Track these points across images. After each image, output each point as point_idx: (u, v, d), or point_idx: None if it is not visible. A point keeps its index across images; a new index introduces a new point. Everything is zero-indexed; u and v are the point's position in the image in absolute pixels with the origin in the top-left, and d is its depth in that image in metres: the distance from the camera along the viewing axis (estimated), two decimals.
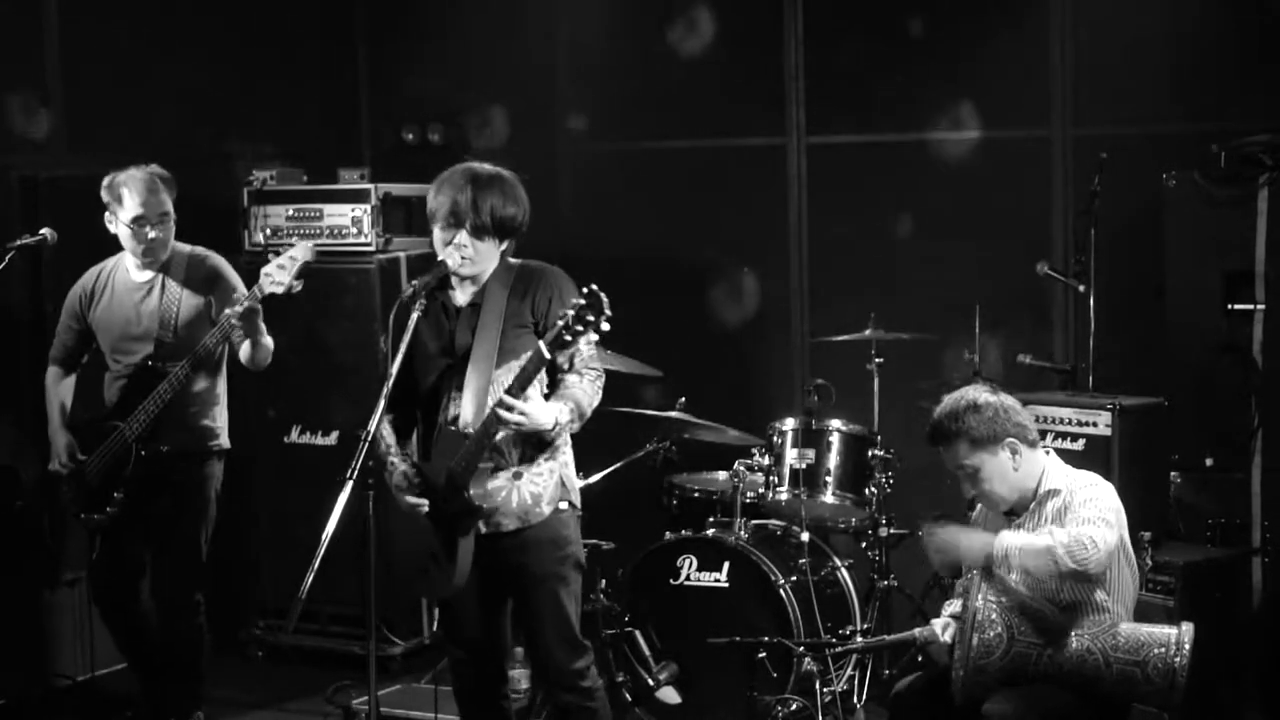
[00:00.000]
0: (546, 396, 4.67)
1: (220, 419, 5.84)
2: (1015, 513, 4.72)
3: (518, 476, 4.70)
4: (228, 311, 5.48)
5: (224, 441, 5.85)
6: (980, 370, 6.45)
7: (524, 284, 4.74)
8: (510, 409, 4.45)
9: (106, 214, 5.64)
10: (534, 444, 4.70)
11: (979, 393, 4.71)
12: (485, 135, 8.03)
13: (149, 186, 5.58)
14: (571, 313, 4.38)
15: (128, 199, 5.58)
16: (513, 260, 4.81)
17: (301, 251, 5.56)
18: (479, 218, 4.64)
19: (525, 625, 4.85)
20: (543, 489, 4.73)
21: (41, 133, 6.82)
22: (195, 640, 5.84)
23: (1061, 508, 4.58)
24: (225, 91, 7.43)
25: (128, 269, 5.74)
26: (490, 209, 4.65)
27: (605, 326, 4.38)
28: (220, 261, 5.82)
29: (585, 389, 4.69)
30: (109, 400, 5.73)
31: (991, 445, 4.62)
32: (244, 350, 5.64)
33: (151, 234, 5.61)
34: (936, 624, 4.78)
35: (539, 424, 4.54)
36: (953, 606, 4.82)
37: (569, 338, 4.39)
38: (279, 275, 5.49)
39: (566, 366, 4.70)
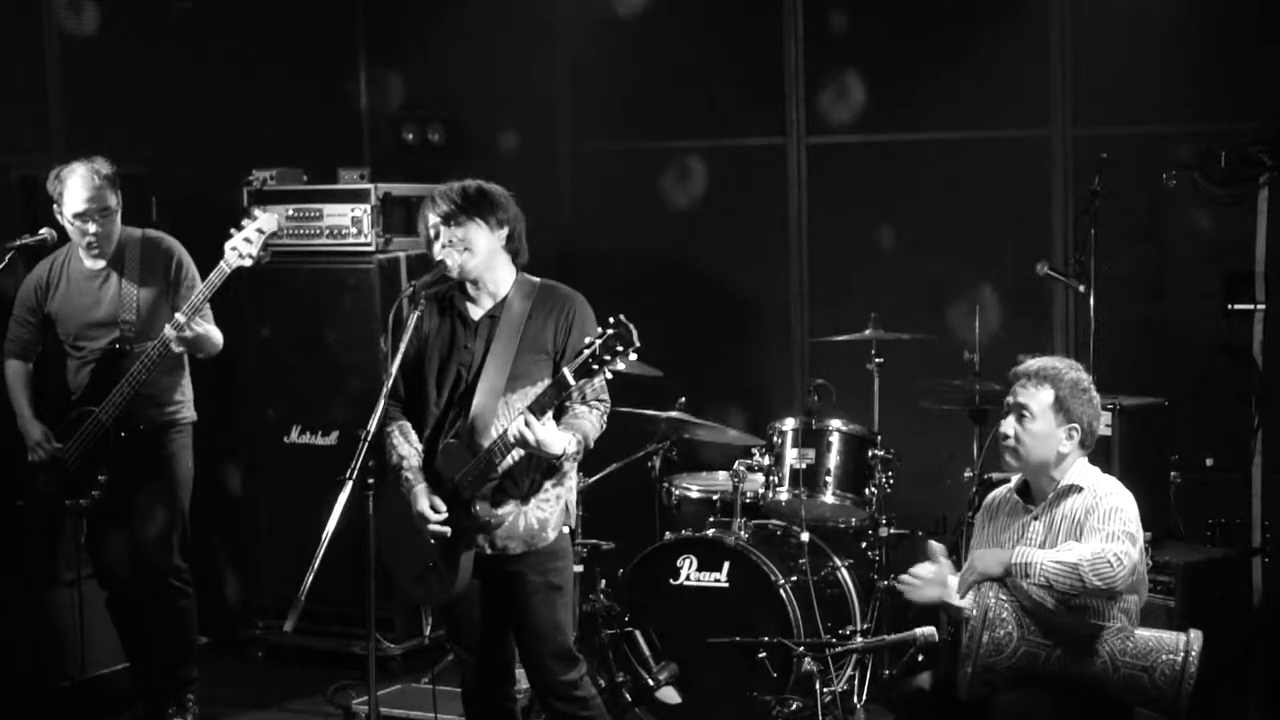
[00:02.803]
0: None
1: (187, 392, 5.93)
2: (1033, 501, 4.72)
3: (525, 501, 4.71)
4: (169, 328, 5.51)
5: (192, 414, 5.94)
6: (979, 370, 6.44)
7: (546, 307, 4.73)
8: (530, 429, 4.45)
9: (54, 207, 5.67)
10: (543, 471, 4.71)
11: (1089, 379, 4.75)
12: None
13: (88, 183, 5.60)
14: (600, 342, 4.38)
15: (68, 195, 5.61)
16: (534, 278, 4.81)
17: (266, 222, 5.60)
18: (454, 210, 4.63)
19: (518, 636, 4.85)
20: (549, 514, 4.75)
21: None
22: (182, 608, 5.90)
23: (1082, 511, 4.56)
24: (225, 91, 7.43)
25: (81, 258, 5.78)
26: (464, 202, 4.65)
27: (633, 357, 4.39)
28: (174, 243, 5.87)
29: (593, 421, 4.71)
30: (75, 386, 5.77)
31: (1063, 415, 4.65)
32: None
33: (92, 229, 5.65)
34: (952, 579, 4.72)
35: (551, 451, 4.54)
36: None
37: (595, 366, 4.39)
38: (245, 248, 5.55)
39: (579, 398, 4.69)
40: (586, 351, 4.40)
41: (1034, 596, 4.47)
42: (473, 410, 4.65)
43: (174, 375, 5.85)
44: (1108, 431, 5.93)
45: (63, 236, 5.83)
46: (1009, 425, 4.72)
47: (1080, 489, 4.62)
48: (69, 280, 5.80)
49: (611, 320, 4.41)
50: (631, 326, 4.38)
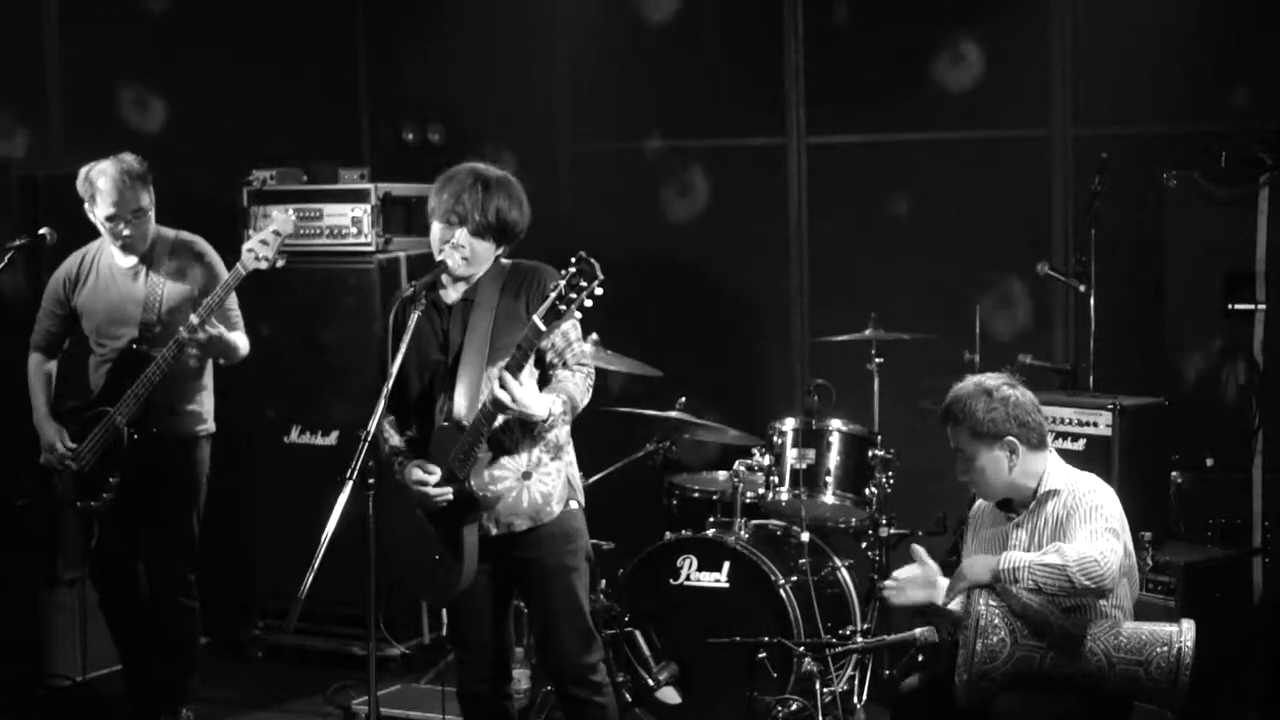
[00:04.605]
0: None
1: (207, 404, 5.89)
2: (1014, 510, 4.71)
3: (526, 477, 4.71)
4: (185, 328, 5.48)
5: (211, 426, 5.90)
6: (979, 370, 6.44)
7: (517, 282, 4.74)
8: (506, 388, 4.42)
9: (85, 205, 5.66)
10: (538, 442, 4.70)
11: (997, 383, 4.67)
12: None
13: (120, 185, 5.57)
14: (564, 281, 4.36)
15: (100, 198, 5.59)
16: (505, 260, 4.82)
17: (283, 224, 5.59)
18: (484, 218, 4.65)
19: (539, 619, 4.86)
20: (551, 488, 4.76)
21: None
22: (189, 623, 5.89)
23: (1063, 513, 4.56)
24: (225, 91, 7.43)
25: (112, 254, 5.76)
26: (495, 211, 4.66)
27: (599, 291, 4.35)
28: (205, 247, 5.84)
29: (577, 382, 4.70)
30: (94, 385, 5.75)
31: (989, 440, 4.60)
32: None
33: (126, 231, 5.63)
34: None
35: (532, 411, 4.53)
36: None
37: (563, 306, 4.36)
38: (262, 250, 5.54)
39: (559, 362, 4.70)
40: (553, 294, 4.37)
41: (1024, 600, 4.47)
42: (457, 392, 4.66)
43: (193, 383, 5.80)
44: (1107, 431, 5.93)
45: (65, 237, 5.82)
46: (959, 471, 4.71)
47: (1058, 492, 4.60)
48: (98, 275, 5.77)
49: (573, 258, 4.38)
50: (594, 261, 4.35)
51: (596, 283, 4.35)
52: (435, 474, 4.63)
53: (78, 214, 5.72)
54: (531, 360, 4.58)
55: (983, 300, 6.68)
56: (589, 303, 4.37)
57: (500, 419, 4.57)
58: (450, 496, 4.63)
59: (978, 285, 7.01)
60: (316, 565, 4.30)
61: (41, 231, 5.82)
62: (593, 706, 4.85)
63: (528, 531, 4.75)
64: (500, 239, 4.73)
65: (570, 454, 4.86)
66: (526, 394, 4.49)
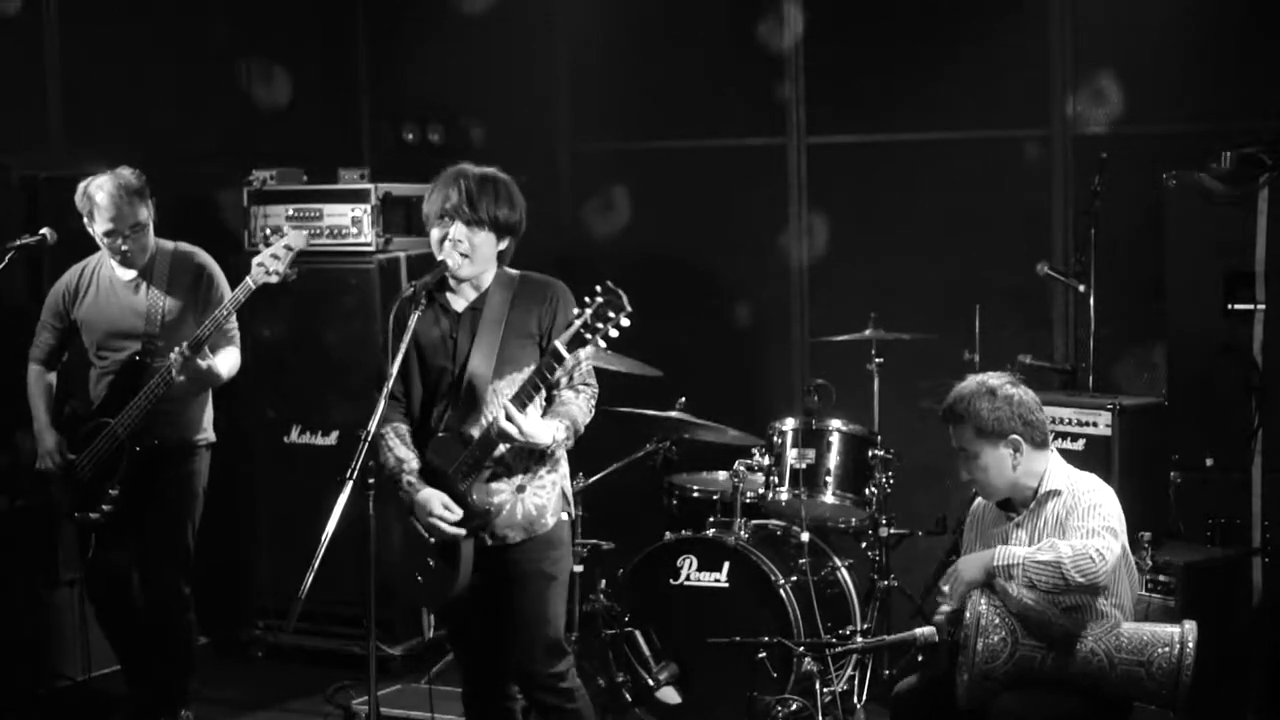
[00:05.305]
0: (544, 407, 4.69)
1: (207, 413, 5.87)
2: (1015, 510, 4.71)
3: (521, 490, 4.70)
4: (173, 356, 5.45)
5: (210, 435, 5.89)
6: (979, 370, 6.44)
7: (528, 294, 4.73)
8: (512, 422, 4.45)
9: (84, 220, 5.65)
10: (535, 457, 4.70)
11: (999, 382, 4.67)
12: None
13: (117, 201, 5.55)
14: (590, 310, 4.36)
15: (98, 214, 5.58)
16: (513, 270, 4.81)
17: (295, 240, 5.58)
18: (473, 212, 4.64)
19: (510, 624, 4.82)
20: (546, 501, 4.75)
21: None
22: (185, 633, 5.87)
23: (1063, 512, 4.56)
24: (225, 91, 7.43)
25: (112, 266, 5.74)
26: (484, 204, 4.65)
27: (625, 322, 4.36)
28: (205, 259, 5.82)
29: (581, 406, 4.71)
30: (95, 397, 5.73)
31: (994, 438, 4.60)
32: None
33: (124, 246, 5.61)
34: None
35: (538, 442, 4.55)
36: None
37: (588, 335, 4.37)
38: (272, 265, 5.51)
39: (565, 380, 4.70)
40: (578, 321, 4.37)
41: (1022, 600, 4.47)
42: (461, 401, 4.65)
43: (194, 396, 5.79)
44: (1107, 431, 5.93)
45: (66, 238, 5.82)
46: (962, 470, 4.71)
47: (1059, 492, 4.60)
48: (98, 288, 5.76)
49: (599, 287, 4.37)
50: (622, 292, 4.34)
51: (623, 314, 4.35)
52: (456, 514, 4.61)
53: (78, 215, 5.72)
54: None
55: (983, 300, 6.68)
56: (614, 334, 4.37)
57: (503, 447, 4.58)
58: (463, 534, 4.61)
59: (977, 285, 7.01)
60: (316, 565, 4.30)
61: (42, 231, 5.82)
62: (565, 714, 4.81)
63: (520, 543, 4.74)
64: (496, 230, 4.70)
65: (564, 466, 4.84)
66: (531, 425, 4.51)
